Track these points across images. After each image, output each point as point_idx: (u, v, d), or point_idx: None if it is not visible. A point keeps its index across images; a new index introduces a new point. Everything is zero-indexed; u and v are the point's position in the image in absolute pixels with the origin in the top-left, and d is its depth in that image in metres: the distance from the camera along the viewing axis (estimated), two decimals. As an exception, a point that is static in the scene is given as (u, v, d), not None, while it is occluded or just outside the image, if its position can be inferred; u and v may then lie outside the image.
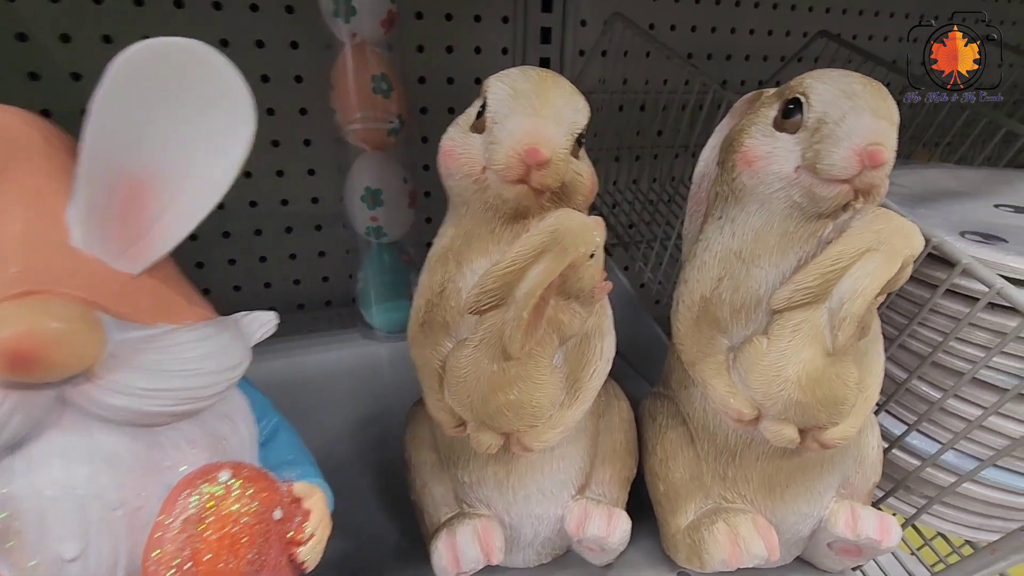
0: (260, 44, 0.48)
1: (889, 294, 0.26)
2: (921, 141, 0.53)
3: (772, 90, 0.24)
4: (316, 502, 0.18)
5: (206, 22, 0.47)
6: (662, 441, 0.27)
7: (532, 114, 0.20)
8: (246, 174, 0.52)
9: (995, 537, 0.31)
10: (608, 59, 0.54)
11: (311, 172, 0.55)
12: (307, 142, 0.53)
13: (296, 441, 0.21)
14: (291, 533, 0.17)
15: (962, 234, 0.31)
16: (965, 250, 0.26)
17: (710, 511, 0.26)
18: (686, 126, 0.44)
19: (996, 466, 0.27)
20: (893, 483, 0.30)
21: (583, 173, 0.22)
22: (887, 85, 0.22)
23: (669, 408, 0.28)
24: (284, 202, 0.55)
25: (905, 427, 0.29)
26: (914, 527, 0.30)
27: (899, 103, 0.22)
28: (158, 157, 0.15)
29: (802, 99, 0.22)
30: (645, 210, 0.53)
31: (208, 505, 0.15)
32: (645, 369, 0.47)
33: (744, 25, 0.63)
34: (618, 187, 0.61)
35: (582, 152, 0.23)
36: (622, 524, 0.25)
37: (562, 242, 0.20)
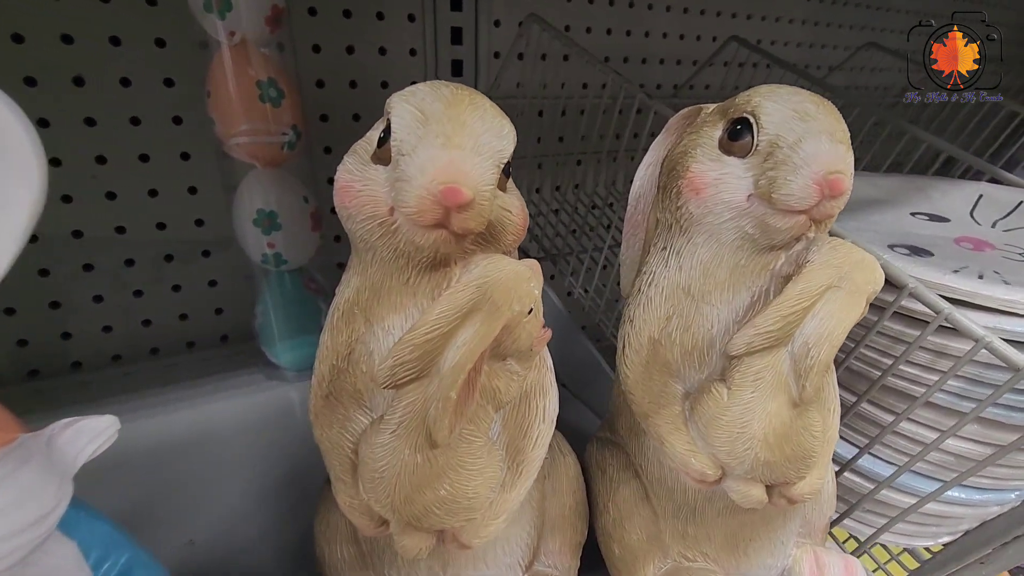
0: (116, 41, 0.40)
1: None
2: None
3: (712, 106, 0.22)
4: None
5: (46, 12, 0.38)
6: (614, 499, 0.24)
7: (447, 145, 0.16)
8: (109, 195, 0.44)
9: (928, 543, 0.31)
10: (525, 62, 0.51)
11: (192, 190, 0.47)
12: (185, 155, 0.45)
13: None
14: None
15: (890, 247, 0.31)
16: (901, 266, 0.25)
17: (670, 571, 0.23)
18: (608, 131, 0.42)
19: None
20: (846, 506, 0.29)
21: (512, 209, 0.19)
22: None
23: (619, 459, 0.25)
24: (161, 225, 0.47)
25: (856, 450, 0.28)
26: (868, 553, 0.29)
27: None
28: None
29: (751, 119, 0.19)
30: (572, 219, 0.51)
31: None
32: (583, 391, 0.44)
33: (658, 28, 0.63)
34: (541, 195, 0.58)
35: (510, 183, 0.20)
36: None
37: (493, 300, 0.16)
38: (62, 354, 0.46)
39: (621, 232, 0.26)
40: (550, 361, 0.22)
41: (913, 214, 0.36)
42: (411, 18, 0.51)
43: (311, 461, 0.28)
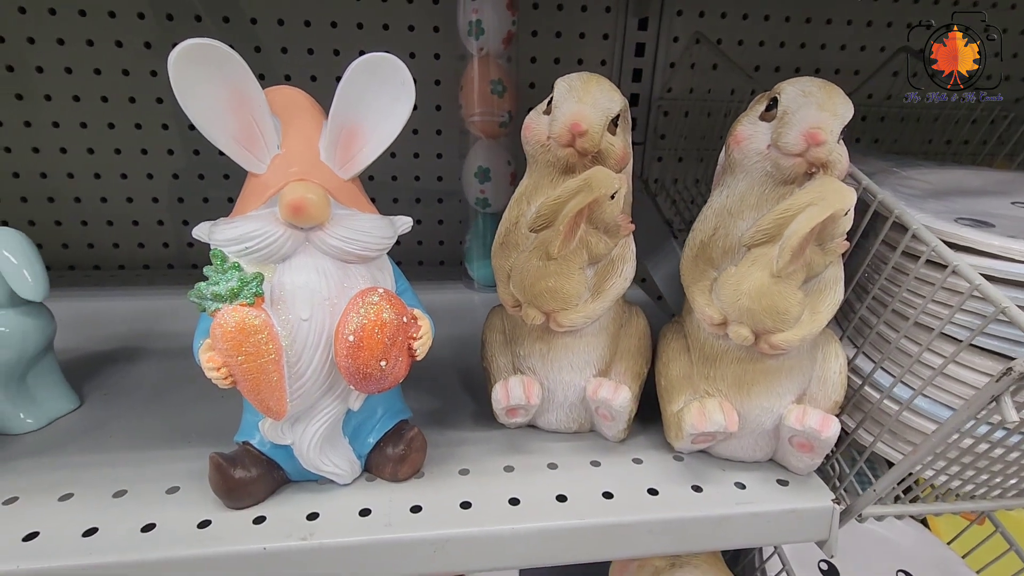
0: (412, 56, 0.64)
1: (853, 243, 0.33)
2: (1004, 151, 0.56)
3: (766, 93, 0.33)
4: (425, 321, 0.31)
5: (374, 41, 0.63)
6: (666, 350, 0.37)
7: (578, 102, 0.31)
8: (392, 155, 0.68)
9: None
10: (689, 71, 0.63)
11: (439, 156, 0.70)
12: (438, 131, 0.68)
13: (416, 300, 0.34)
14: (411, 332, 0.30)
15: (957, 220, 0.37)
16: (954, 231, 0.32)
17: (693, 399, 0.35)
18: None
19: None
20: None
21: (615, 145, 0.33)
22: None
23: (676, 328, 0.37)
24: (416, 178, 0.70)
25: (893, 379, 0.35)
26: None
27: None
28: (364, 116, 0.29)
29: (778, 97, 0.31)
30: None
31: (370, 308, 0.28)
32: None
33: (815, 41, 0.68)
34: (685, 184, 0.68)
35: (619, 130, 0.34)
36: (624, 392, 0.35)
37: (590, 184, 0.31)
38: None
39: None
40: (633, 246, 0.36)
41: (1015, 203, 0.40)
42: (605, 36, 0.67)
43: (475, 330, 0.44)
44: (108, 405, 0.41)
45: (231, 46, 0.64)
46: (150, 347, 0.50)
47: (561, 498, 0.34)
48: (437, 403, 0.43)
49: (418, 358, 0.31)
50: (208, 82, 0.26)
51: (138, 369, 0.46)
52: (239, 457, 0.31)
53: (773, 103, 0.31)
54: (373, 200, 0.65)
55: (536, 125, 0.34)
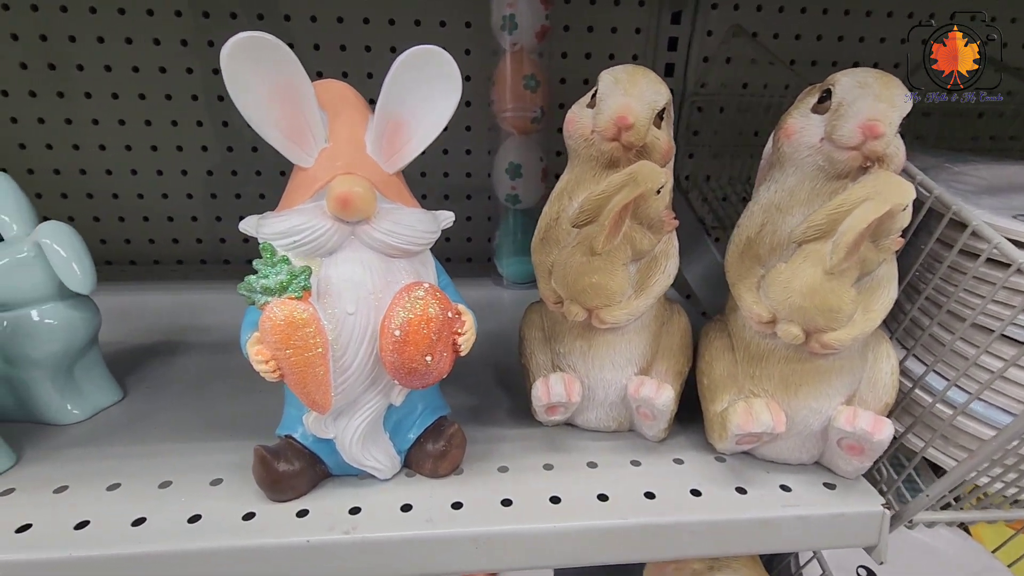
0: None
1: (906, 240, 0.32)
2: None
3: (818, 85, 0.32)
4: (468, 317, 0.31)
5: (406, 37, 0.63)
6: (710, 348, 0.36)
7: (625, 94, 0.31)
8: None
9: None
10: (723, 65, 0.62)
11: (468, 152, 0.69)
12: (468, 128, 0.68)
13: (457, 295, 0.33)
14: (456, 328, 0.30)
15: (1015, 216, 0.35)
16: (1015, 228, 0.31)
17: (738, 398, 0.34)
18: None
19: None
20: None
21: (660, 139, 0.32)
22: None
23: (718, 327, 0.37)
24: (445, 174, 0.70)
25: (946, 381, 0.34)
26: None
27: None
28: (411, 109, 0.29)
29: (832, 89, 0.30)
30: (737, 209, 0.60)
31: (416, 303, 0.28)
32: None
33: (853, 33, 0.67)
34: (718, 182, 0.67)
35: (664, 124, 0.33)
36: (667, 391, 0.34)
37: (636, 178, 0.30)
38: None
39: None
40: (676, 243, 0.35)
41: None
42: (637, 31, 0.66)
43: (507, 327, 0.44)
44: (150, 397, 0.42)
45: (265, 43, 0.65)
46: (188, 341, 0.51)
47: (602, 497, 0.33)
48: (472, 399, 0.42)
49: (462, 354, 0.30)
50: (259, 75, 0.26)
51: (178, 362, 0.47)
52: (282, 450, 0.32)
53: (826, 95, 0.30)
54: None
55: (579, 119, 0.33)
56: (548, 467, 0.36)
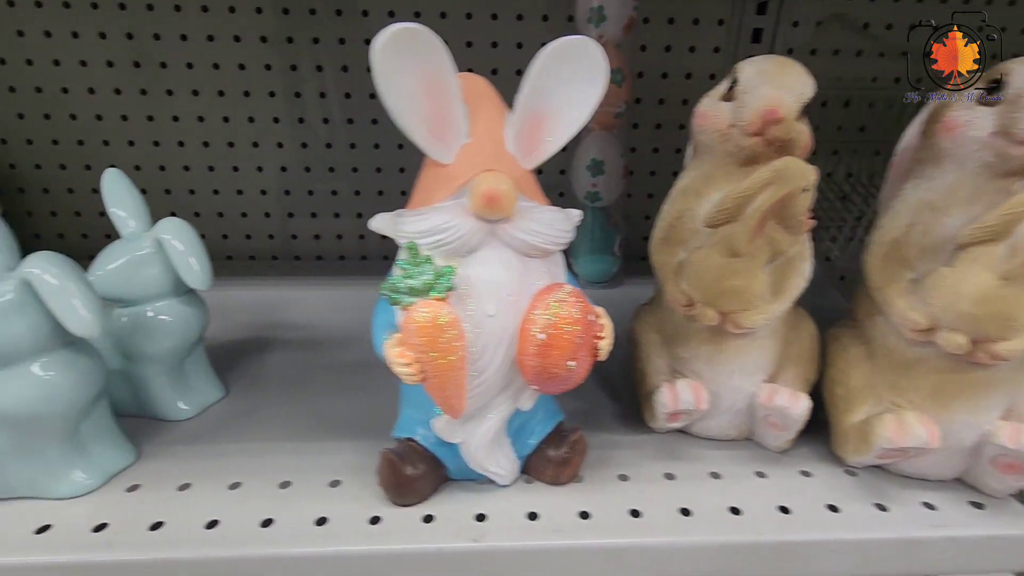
0: (520, 45, 0.63)
1: None
2: None
3: (984, 74, 0.30)
4: (607, 320, 0.29)
5: (483, 32, 0.62)
6: (844, 356, 0.34)
7: (772, 86, 0.29)
8: None
9: None
10: (810, 56, 0.60)
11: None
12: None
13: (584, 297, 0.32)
14: (596, 332, 0.28)
15: None
16: None
17: (881, 410, 0.32)
18: (891, 123, 0.48)
19: None
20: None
21: (804, 133, 0.31)
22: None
23: (850, 332, 0.35)
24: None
25: None
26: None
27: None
28: (553, 103, 0.28)
29: (1002, 79, 0.28)
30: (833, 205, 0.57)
31: (561, 305, 0.27)
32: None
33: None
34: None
35: (804, 117, 0.31)
36: (804, 401, 0.32)
37: (783, 175, 0.28)
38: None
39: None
40: (810, 244, 0.33)
41: None
42: (720, 22, 0.64)
43: None
44: (252, 394, 0.42)
45: (342, 39, 0.64)
46: (276, 337, 0.51)
47: (734, 511, 0.32)
48: (576, 403, 0.41)
49: (601, 358, 0.29)
50: (410, 67, 0.25)
51: (270, 359, 0.47)
52: (407, 453, 0.31)
53: (996, 85, 0.28)
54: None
55: (715, 112, 0.32)
56: (670, 476, 0.34)
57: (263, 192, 0.69)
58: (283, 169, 0.68)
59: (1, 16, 0.59)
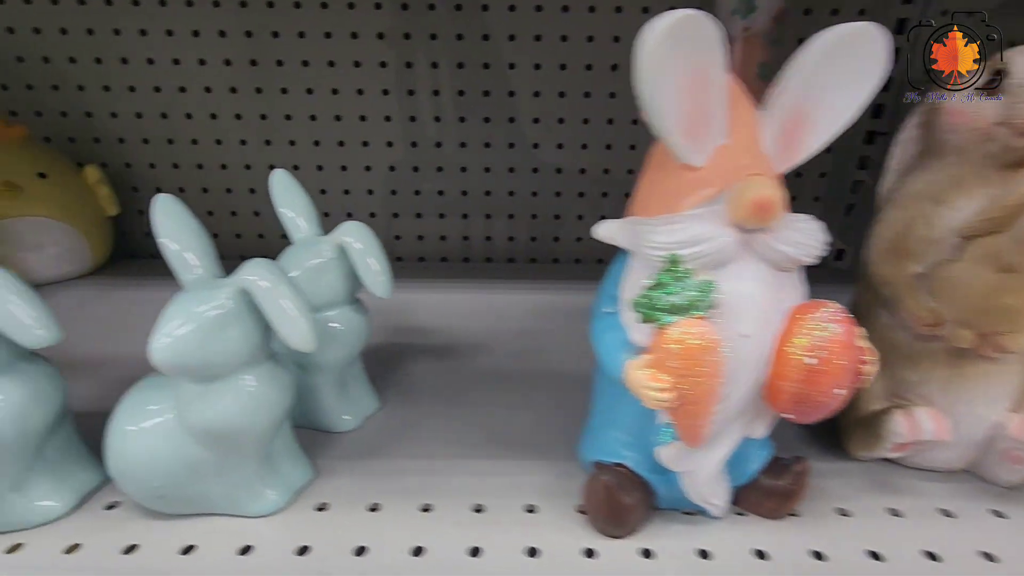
0: (616, 39, 0.60)
1: None
2: None
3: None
4: (868, 343, 0.26)
5: (607, 26, 0.60)
6: None
7: (1060, 78, 0.26)
8: (582, 145, 0.65)
9: None
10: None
11: (632, 147, 0.65)
12: (634, 121, 0.64)
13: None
14: (860, 356, 0.25)
15: None
16: None
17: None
18: None
19: None
20: None
21: (1085, 133, 0.27)
22: None
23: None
24: (606, 171, 0.67)
25: None
26: None
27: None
28: (820, 99, 0.25)
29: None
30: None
31: (829, 327, 0.24)
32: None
33: None
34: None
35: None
36: (1067, 435, 0.29)
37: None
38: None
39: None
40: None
41: None
42: (861, 12, 0.60)
43: None
44: (407, 405, 0.40)
45: (459, 35, 0.62)
46: (410, 342, 0.49)
47: (988, 556, 0.28)
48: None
49: (865, 385, 0.26)
50: (682, 60, 0.22)
51: (414, 367, 0.45)
52: (621, 480, 0.28)
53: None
54: (558, 195, 0.59)
55: (973, 109, 0.28)
56: (894, 512, 0.31)
57: (370, 192, 0.68)
58: (391, 168, 0.67)
59: (123, 15, 0.59)
